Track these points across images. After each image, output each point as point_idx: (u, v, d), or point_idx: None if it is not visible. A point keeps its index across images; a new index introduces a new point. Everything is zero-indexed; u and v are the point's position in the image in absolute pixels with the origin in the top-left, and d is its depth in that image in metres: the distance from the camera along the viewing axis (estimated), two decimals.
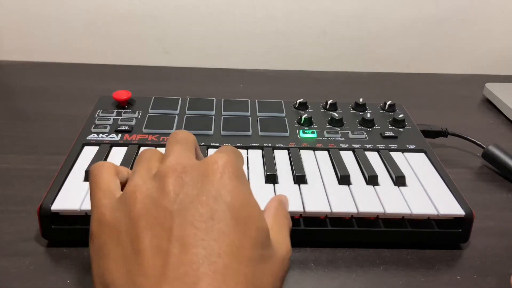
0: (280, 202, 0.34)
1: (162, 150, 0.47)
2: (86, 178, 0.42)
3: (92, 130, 0.50)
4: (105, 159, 0.46)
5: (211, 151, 0.47)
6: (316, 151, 0.49)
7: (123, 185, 0.30)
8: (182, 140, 0.31)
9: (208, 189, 0.27)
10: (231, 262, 0.24)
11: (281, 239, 0.30)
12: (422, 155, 0.50)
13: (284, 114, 0.56)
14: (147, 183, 0.27)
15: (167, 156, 0.29)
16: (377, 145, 0.50)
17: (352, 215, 0.41)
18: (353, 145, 0.50)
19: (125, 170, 0.32)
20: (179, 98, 0.57)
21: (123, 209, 0.27)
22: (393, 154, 0.49)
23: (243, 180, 0.29)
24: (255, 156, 0.47)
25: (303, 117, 0.53)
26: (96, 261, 0.27)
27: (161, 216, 0.25)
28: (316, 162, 0.47)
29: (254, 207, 0.28)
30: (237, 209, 0.26)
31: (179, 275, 0.23)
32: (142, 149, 0.48)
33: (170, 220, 0.25)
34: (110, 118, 0.52)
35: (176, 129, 0.51)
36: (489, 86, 0.72)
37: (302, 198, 0.42)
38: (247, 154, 0.48)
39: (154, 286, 0.23)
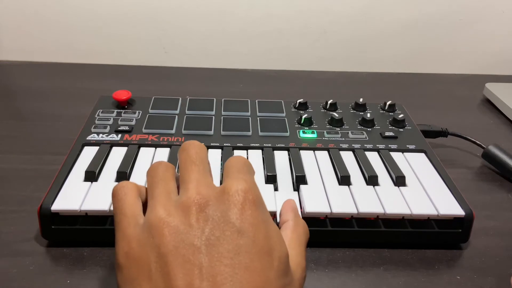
0: (296, 212, 0.36)
1: (164, 150, 0.47)
2: (86, 178, 0.42)
3: (92, 130, 0.50)
4: (105, 159, 0.46)
5: (211, 152, 0.47)
6: (316, 151, 0.49)
7: (143, 204, 0.31)
8: (197, 159, 0.31)
9: (232, 223, 0.27)
10: None
11: (297, 259, 0.31)
12: (422, 155, 0.50)
13: (284, 114, 0.56)
14: (172, 215, 0.28)
15: (187, 184, 0.29)
16: (377, 145, 0.50)
17: (352, 216, 0.41)
18: (353, 145, 0.50)
19: (145, 190, 0.32)
20: (179, 98, 0.57)
21: (151, 244, 0.27)
22: (393, 154, 0.49)
23: (263, 207, 0.29)
24: (255, 157, 0.47)
25: (303, 117, 0.53)
26: None
27: (189, 253, 0.26)
28: (316, 162, 0.47)
29: (275, 235, 0.29)
30: (260, 242, 0.27)
31: None
32: (142, 149, 0.48)
33: (199, 257, 0.26)
34: (110, 118, 0.52)
35: (176, 129, 0.51)
36: (489, 86, 0.72)
37: (302, 198, 0.42)
38: (247, 154, 0.48)
39: None
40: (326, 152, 0.49)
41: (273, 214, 0.39)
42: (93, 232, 0.40)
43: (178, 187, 0.31)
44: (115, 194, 0.31)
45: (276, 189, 0.43)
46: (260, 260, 0.26)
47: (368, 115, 0.54)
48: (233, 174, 0.30)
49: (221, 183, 0.30)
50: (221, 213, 0.28)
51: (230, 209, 0.28)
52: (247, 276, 0.26)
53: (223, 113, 0.55)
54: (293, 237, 0.32)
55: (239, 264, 0.26)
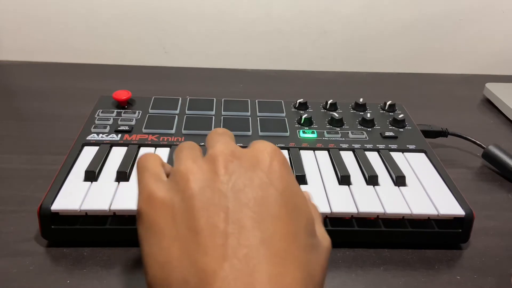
0: (308, 194, 0.34)
1: (164, 150, 0.47)
2: (86, 178, 0.42)
3: (92, 130, 0.50)
4: (105, 159, 0.46)
5: None
6: (316, 151, 0.49)
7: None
8: (224, 133, 0.31)
9: (259, 175, 0.27)
10: (290, 247, 0.24)
11: (321, 231, 0.30)
12: (422, 155, 0.50)
13: (284, 114, 0.56)
14: (198, 165, 0.27)
15: (214, 144, 0.29)
16: (377, 145, 0.50)
17: (352, 215, 0.41)
18: (353, 145, 0.50)
19: (169, 166, 0.32)
20: (179, 98, 0.57)
21: (175, 189, 0.26)
22: (393, 154, 0.49)
23: (290, 170, 0.29)
24: None
25: (303, 117, 0.53)
26: (147, 240, 0.26)
27: (215, 197, 0.25)
28: (316, 162, 0.47)
29: (303, 197, 0.28)
30: (288, 197, 0.26)
31: (240, 256, 0.23)
32: (142, 149, 0.48)
33: (225, 201, 0.25)
34: (110, 118, 0.52)
35: (176, 129, 0.51)
36: (489, 86, 0.73)
37: None
38: None
39: (215, 266, 0.23)
40: (326, 152, 0.49)
41: None
42: (93, 232, 0.40)
43: None
44: (138, 160, 0.30)
45: None
46: (289, 213, 0.26)
47: (368, 115, 0.54)
48: (261, 142, 0.30)
49: None
50: (249, 165, 0.27)
51: (259, 162, 0.27)
52: (275, 224, 0.25)
53: (223, 113, 0.55)
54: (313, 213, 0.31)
55: (267, 212, 0.25)
